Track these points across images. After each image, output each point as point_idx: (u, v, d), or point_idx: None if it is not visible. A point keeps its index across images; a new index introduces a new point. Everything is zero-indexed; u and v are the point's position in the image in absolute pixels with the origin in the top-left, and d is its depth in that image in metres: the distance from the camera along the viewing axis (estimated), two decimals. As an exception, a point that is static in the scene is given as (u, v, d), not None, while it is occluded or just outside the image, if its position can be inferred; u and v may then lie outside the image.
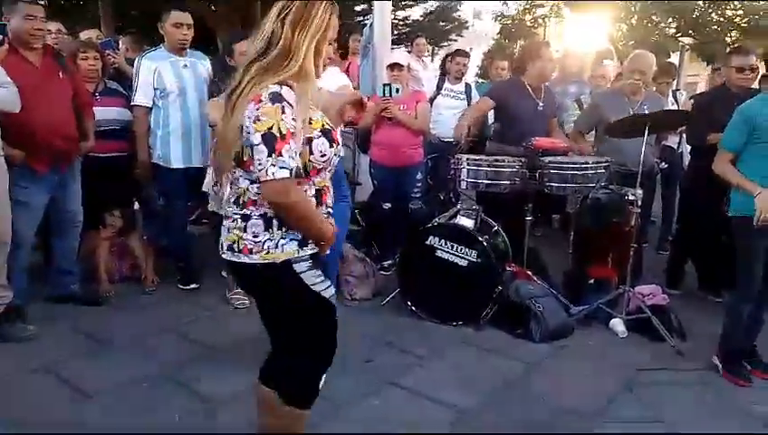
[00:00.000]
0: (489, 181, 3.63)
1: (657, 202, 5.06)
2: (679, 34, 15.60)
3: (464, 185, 3.70)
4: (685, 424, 2.54)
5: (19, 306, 3.24)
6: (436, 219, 3.82)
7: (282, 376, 1.88)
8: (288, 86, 1.65)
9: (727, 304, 3.03)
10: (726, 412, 2.68)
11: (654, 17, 15.15)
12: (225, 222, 1.80)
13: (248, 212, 1.73)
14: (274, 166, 1.59)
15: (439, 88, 5.31)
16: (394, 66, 4.28)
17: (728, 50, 4.85)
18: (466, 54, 5.51)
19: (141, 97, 3.78)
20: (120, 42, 5.38)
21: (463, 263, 3.44)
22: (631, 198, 3.59)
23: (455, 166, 3.79)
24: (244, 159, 1.69)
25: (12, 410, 2.49)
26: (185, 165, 3.82)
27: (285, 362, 1.88)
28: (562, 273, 4.06)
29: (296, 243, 1.73)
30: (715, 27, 14.98)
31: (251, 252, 1.72)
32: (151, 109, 3.81)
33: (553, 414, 2.58)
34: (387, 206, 4.46)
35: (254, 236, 1.72)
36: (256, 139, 1.60)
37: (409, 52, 6.85)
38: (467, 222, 3.62)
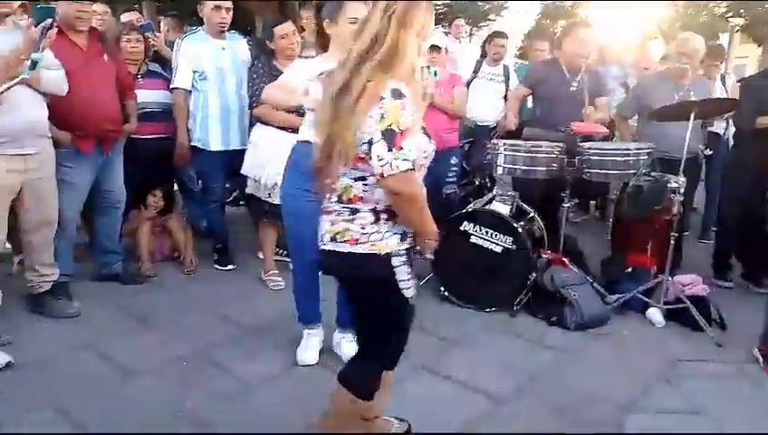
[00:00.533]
0: (526, 167, 3.57)
1: (700, 189, 4.92)
2: (729, 15, 14.97)
3: (500, 170, 3.66)
4: (723, 418, 2.49)
5: (64, 284, 3.36)
6: (471, 205, 3.79)
7: (353, 371, 2.01)
8: (401, 83, 1.71)
9: None
10: (766, 407, 2.61)
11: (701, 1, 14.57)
12: (325, 217, 1.87)
13: (357, 207, 1.80)
14: (397, 159, 1.65)
15: (476, 71, 5.24)
16: (432, 49, 4.23)
17: None
18: (505, 36, 5.41)
19: (181, 80, 3.84)
20: (162, 23, 5.46)
21: (497, 249, 3.42)
22: (674, 185, 3.48)
23: (491, 151, 3.74)
24: (355, 155, 1.73)
25: (56, 385, 2.59)
26: (223, 148, 3.87)
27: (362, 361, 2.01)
28: (600, 260, 3.99)
29: (398, 236, 1.82)
30: (768, 7, 14.32)
31: (357, 242, 1.80)
32: (191, 92, 3.87)
33: (587, 402, 2.55)
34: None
35: (362, 228, 1.79)
36: (377, 136, 1.66)
37: (447, 33, 6.77)
38: (503, 208, 3.59)
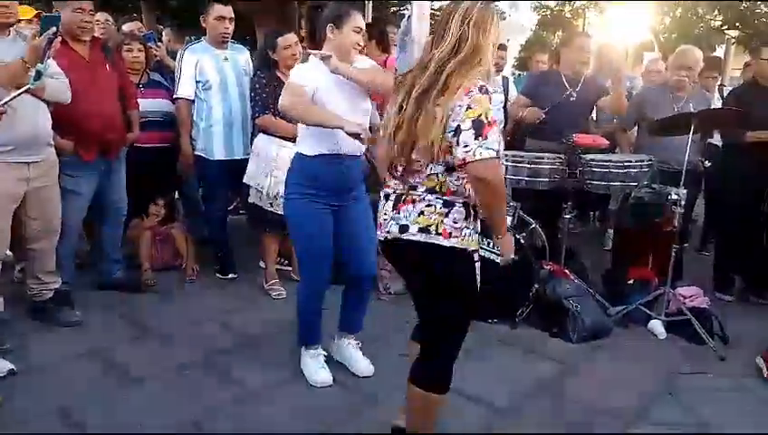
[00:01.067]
0: (529, 178, 3.59)
1: (700, 200, 4.94)
2: (725, 27, 15.09)
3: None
4: (725, 429, 2.50)
5: (66, 292, 3.35)
6: (474, 215, 3.79)
7: (427, 369, 2.04)
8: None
9: None
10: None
11: (699, 9, 14.69)
12: (410, 206, 1.93)
13: (451, 199, 1.90)
14: (481, 147, 1.75)
15: (476, 81, 5.27)
16: None
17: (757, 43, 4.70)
18: (504, 47, 5.44)
19: (184, 89, 3.85)
20: (163, 34, 5.48)
21: (496, 258, 3.42)
22: (674, 197, 3.50)
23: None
24: (441, 146, 1.82)
25: (59, 393, 2.57)
26: (226, 157, 3.88)
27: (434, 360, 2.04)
28: (600, 272, 4.00)
29: (477, 236, 1.97)
30: (764, 20, 14.43)
31: (450, 235, 1.89)
32: (193, 101, 3.88)
33: (589, 415, 2.55)
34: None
35: (455, 222, 1.89)
36: (466, 124, 1.77)
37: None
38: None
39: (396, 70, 5.68)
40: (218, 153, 3.87)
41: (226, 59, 3.90)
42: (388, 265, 3.95)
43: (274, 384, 2.72)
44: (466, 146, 1.76)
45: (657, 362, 3.09)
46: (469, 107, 1.77)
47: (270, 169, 3.41)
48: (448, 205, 1.89)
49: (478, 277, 2.00)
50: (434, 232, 1.89)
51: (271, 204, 3.54)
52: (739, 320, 3.58)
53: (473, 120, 1.76)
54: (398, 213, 1.95)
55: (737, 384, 2.91)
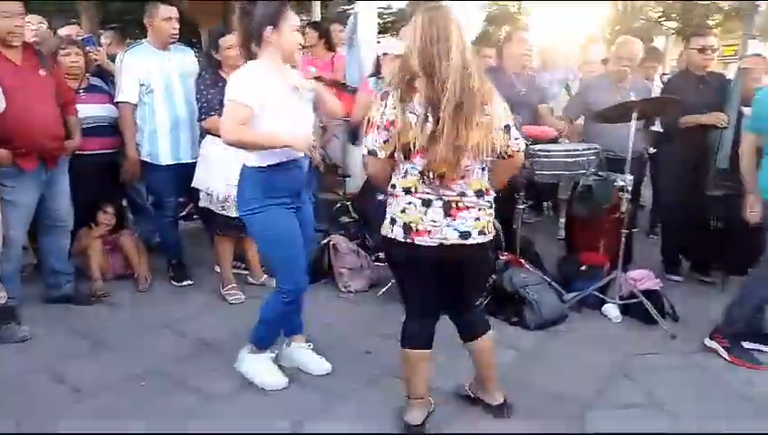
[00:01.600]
0: (481, 171, 3.63)
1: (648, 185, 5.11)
2: (664, 19, 15.67)
3: None
4: (678, 408, 2.58)
5: (12, 307, 3.20)
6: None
7: (481, 320, 2.46)
8: None
9: (748, 282, 3.05)
10: (720, 395, 2.72)
11: (639, 2, 15.20)
12: (466, 213, 2.12)
13: (491, 198, 2.19)
14: (519, 139, 2.16)
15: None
16: (386, 56, 4.25)
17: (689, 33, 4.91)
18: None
19: (126, 94, 3.73)
20: (102, 37, 5.31)
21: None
22: (621, 184, 3.61)
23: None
24: (493, 147, 2.07)
25: (11, 410, 2.47)
26: (174, 161, 3.78)
27: (475, 314, 2.46)
28: (555, 260, 4.08)
29: None
30: (700, 11, 15.05)
31: (491, 231, 2.21)
32: (137, 105, 3.76)
33: (549, 400, 2.60)
34: (381, 197, 4.44)
35: (491, 216, 2.20)
36: (512, 121, 2.13)
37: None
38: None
39: (344, 68, 5.70)
40: (165, 157, 3.77)
41: (171, 61, 3.80)
42: (348, 264, 3.95)
43: (234, 391, 2.67)
44: (517, 138, 2.14)
45: (612, 345, 3.17)
46: (506, 108, 2.10)
47: (219, 171, 3.34)
48: (491, 203, 2.19)
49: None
50: (486, 232, 2.17)
51: (222, 207, 3.48)
52: (687, 299, 3.71)
53: (513, 119, 2.13)
54: (455, 220, 2.11)
55: (688, 361, 3.02)
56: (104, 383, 2.70)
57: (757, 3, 3.46)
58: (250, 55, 2.46)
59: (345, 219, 4.81)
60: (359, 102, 4.33)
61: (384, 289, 3.81)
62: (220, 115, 3.36)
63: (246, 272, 4.00)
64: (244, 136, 2.37)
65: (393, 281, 3.67)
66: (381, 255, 4.41)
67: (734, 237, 3.54)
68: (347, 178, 5.26)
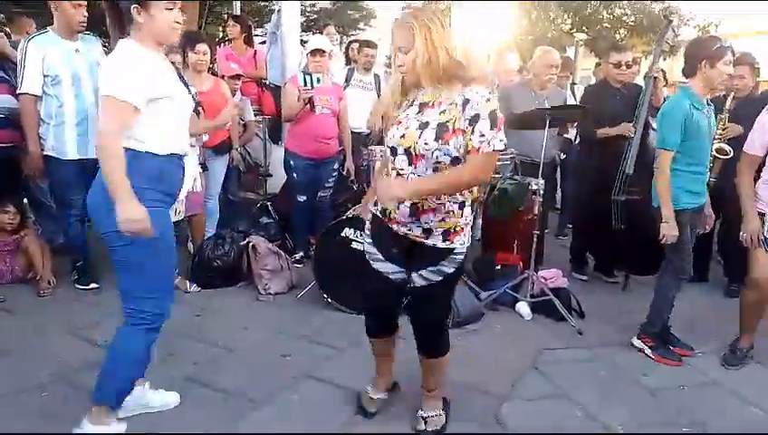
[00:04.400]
0: (402, 172, 3.68)
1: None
2: (574, 30, 16.50)
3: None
4: (586, 399, 2.73)
5: None
6: (351, 211, 3.83)
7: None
8: None
9: (659, 286, 3.22)
10: (620, 384, 2.91)
11: (551, 13, 15.92)
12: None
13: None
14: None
15: (348, 79, 5.30)
16: (316, 52, 4.22)
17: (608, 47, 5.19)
18: (374, 45, 5.52)
19: (29, 85, 3.48)
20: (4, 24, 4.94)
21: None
22: (534, 187, 3.78)
23: (368, 158, 3.81)
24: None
25: None
26: (80, 156, 3.57)
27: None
28: (472, 260, 4.21)
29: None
30: (606, 25, 15.99)
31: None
32: (41, 97, 3.53)
33: (466, 396, 2.67)
34: (302, 198, 4.41)
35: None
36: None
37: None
38: (381, 213, 3.66)
39: (266, 64, 5.62)
40: (72, 152, 3.55)
41: (78, 50, 3.58)
42: (268, 266, 3.88)
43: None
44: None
45: (524, 341, 3.32)
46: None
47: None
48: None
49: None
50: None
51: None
52: (593, 296, 3.94)
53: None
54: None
55: (593, 355, 3.20)
56: (2, 392, 2.52)
57: (671, 18, 3.74)
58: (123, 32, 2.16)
59: (265, 220, 4.74)
60: (286, 100, 4.28)
61: (304, 291, 3.78)
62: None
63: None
64: (112, 158, 1.96)
65: (313, 283, 3.66)
66: (300, 256, 4.40)
67: (636, 240, 3.78)
68: (268, 178, 5.18)
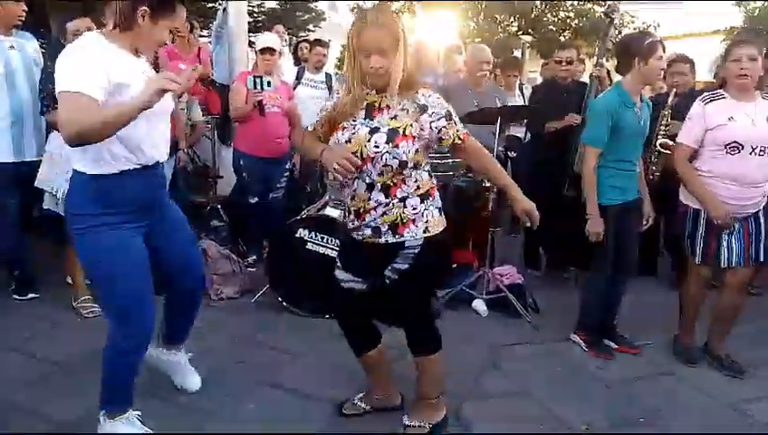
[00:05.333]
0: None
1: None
2: (520, 33, 16.88)
3: (331, 176, 3.66)
4: (544, 394, 2.75)
5: None
6: (305, 211, 3.75)
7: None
8: None
9: (586, 282, 3.27)
10: (576, 378, 2.94)
11: (498, 16, 16.24)
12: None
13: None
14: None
15: (299, 78, 5.22)
16: (265, 51, 4.12)
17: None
18: (326, 45, 5.46)
19: (-42, 83, 3.27)
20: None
21: (334, 254, 3.41)
22: (487, 184, 3.80)
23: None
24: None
25: None
26: (16, 159, 3.37)
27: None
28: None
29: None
30: (551, 27, 16.42)
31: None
32: (-29, 96, 3.30)
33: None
34: (254, 200, 4.30)
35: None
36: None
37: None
38: (336, 213, 3.59)
39: (211, 61, 5.46)
40: (5, 155, 3.34)
41: (12, 47, 3.38)
42: (219, 270, 3.76)
43: (87, 414, 2.38)
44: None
45: (481, 338, 3.32)
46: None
47: (66, 169, 3.01)
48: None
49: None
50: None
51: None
52: (547, 292, 3.99)
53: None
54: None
55: (550, 349, 3.24)
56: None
57: (612, 16, 3.86)
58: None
59: (216, 223, 4.60)
60: (234, 99, 4.17)
61: (257, 295, 3.68)
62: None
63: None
64: (83, 123, 1.79)
65: (267, 287, 3.56)
66: (252, 259, 4.29)
67: (586, 237, 3.83)
68: (218, 180, 5.03)
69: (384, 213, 2.09)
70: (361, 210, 2.12)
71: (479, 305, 3.70)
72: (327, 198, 3.78)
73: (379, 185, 2.07)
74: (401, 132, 2.01)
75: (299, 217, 3.60)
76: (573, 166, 3.86)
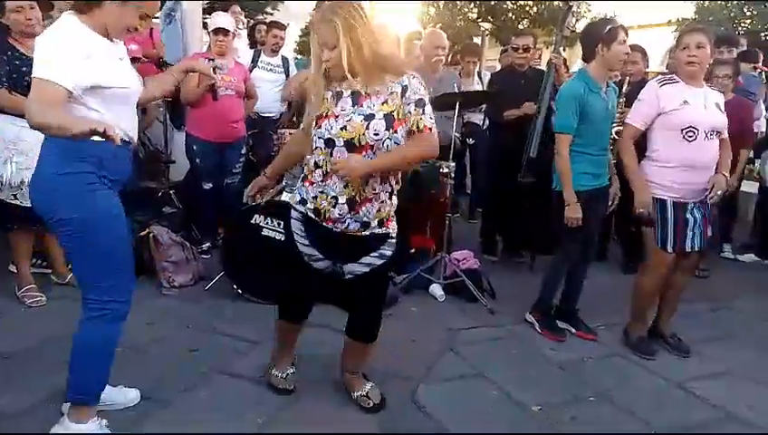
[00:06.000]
0: (313, 156, 3.58)
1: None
2: (480, 20, 16.97)
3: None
4: (501, 376, 2.79)
5: None
6: (261, 197, 3.67)
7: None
8: None
9: (551, 264, 3.32)
10: (531, 360, 2.99)
11: (457, 3, 16.28)
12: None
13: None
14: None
15: (254, 60, 5.10)
16: (219, 32, 4.00)
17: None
18: (283, 27, 5.35)
19: None
20: None
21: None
22: (445, 170, 3.80)
23: (278, 142, 3.67)
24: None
25: None
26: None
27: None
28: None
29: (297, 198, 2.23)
30: (510, 15, 16.56)
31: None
32: None
33: (382, 379, 2.63)
34: (208, 185, 4.18)
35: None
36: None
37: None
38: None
39: (163, 43, 5.30)
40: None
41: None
42: (172, 257, 3.66)
43: (32, 407, 2.31)
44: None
45: (438, 322, 3.34)
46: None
47: (10, 154, 2.87)
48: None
49: (294, 234, 2.22)
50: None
51: (15, 195, 3.00)
52: (502, 276, 4.03)
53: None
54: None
55: (506, 333, 3.28)
56: None
57: (570, 3, 3.91)
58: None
59: (169, 209, 4.48)
60: (186, 83, 4.03)
61: (211, 283, 3.60)
62: (9, 88, 2.93)
63: (49, 270, 3.53)
64: (42, 119, 1.77)
65: (222, 274, 3.49)
66: (206, 246, 4.19)
67: (542, 222, 3.90)
68: (170, 165, 4.90)
69: (379, 208, 2.15)
70: (357, 198, 2.10)
71: (436, 290, 3.72)
72: (283, 183, 3.71)
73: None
74: (395, 117, 2.04)
75: (254, 204, 3.52)
76: (531, 152, 3.91)
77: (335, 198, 2.11)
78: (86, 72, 1.86)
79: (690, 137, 2.86)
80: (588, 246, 3.18)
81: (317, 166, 2.13)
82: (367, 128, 2.03)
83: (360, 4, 2.02)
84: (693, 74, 2.91)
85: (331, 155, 2.08)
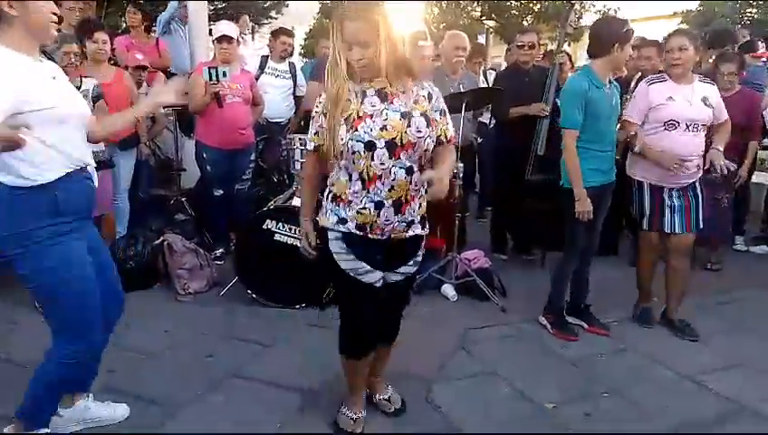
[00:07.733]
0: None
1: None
2: (484, 18, 16.95)
3: (298, 166, 3.65)
4: (512, 374, 2.81)
5: None
6: (272, 202, 3.73)
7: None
8: None
9: (558, 266, 3.32)
10: (544, 357, 3.02)
11: (461, 1, 16.27)
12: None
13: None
14: None
15: (262, 67, 5.15)
16: (222, 39, 4.05)
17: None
18: (291, 34, 5.41)
19: None
20: None
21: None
22: (454, 170, 3.82)
23: (287, 147, 3.72)
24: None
25: None
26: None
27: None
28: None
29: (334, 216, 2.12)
30: (515, 12, 16.53)
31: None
32: None
33: (398, 380, 2.66)
34: (219, 192, 4.24)
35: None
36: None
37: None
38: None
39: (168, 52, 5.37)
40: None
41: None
42: (186, 264, 3.72)
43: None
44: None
45: (450, 322, 3.37)
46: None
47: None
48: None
49: (336, 254, 2.11)
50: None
51: None
52: (513, 275, 4.05)
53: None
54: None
55: (518, 331, 3.30)
56: None
57: (573, 1, 3.92)
58: None
59: (181, 217, 4.54)
60: (192, 91, 4.09)
61: (226, 288, 3.65)
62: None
63: None
64: None
65: (236, 279, 3.54)
66: (220, 252, 4.24)
67: (551, 219, 3.91)
68: (181, 173, 4.96)
69: (420, 204, 2.15)
70: (402, 199, 2.06)
71: (448, 290, 3.74)
72: (294, 188, 3.76)
73: (415, 167, 2.06)
74: (430, 117, 2.06)
75: (266, 209, 3.57)
76: (538, 150, 3.92)
77: (381, 202, 2.03)
78: (15, 97, 1.71)
79: (671, 128, 3.11)
80: (591, 241, 3.22)
81: (351, 178, 2.03)
82: (408, 125, 1.99)
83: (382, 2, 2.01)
84: (678, 75, 3.14)
85: (373, 159, 1.98)
